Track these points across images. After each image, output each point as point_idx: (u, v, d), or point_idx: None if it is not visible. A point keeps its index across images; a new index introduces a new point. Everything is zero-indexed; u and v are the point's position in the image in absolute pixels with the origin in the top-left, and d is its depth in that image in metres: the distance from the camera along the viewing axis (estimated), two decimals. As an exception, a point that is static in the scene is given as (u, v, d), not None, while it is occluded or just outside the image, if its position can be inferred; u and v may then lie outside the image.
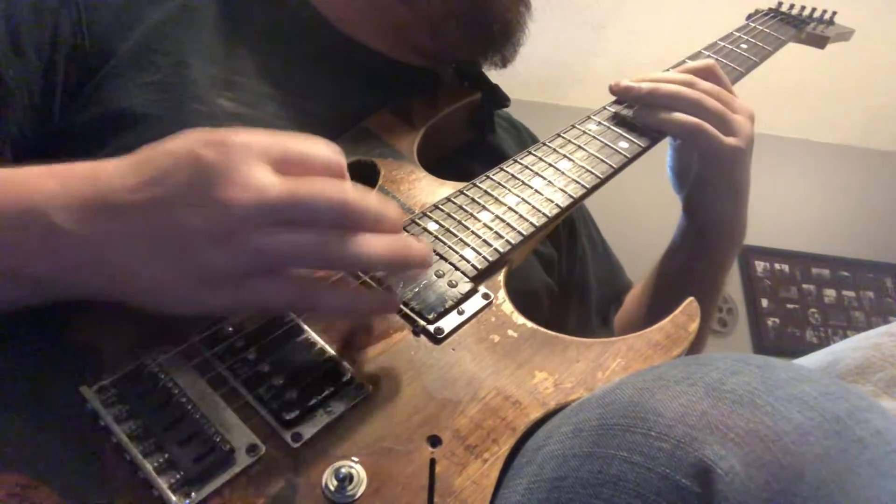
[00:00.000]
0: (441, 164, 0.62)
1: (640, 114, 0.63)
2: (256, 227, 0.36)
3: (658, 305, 0.74)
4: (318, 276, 0.44)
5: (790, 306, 2.42)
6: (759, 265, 2.47)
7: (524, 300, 0.50)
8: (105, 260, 0.36)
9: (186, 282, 0.36)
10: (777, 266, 2.48)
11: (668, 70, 0.68)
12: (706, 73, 0.64)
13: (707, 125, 0.60)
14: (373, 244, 0.38)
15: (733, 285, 2.40)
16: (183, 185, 0.36)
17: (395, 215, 0.40)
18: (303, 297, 0.39)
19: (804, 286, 2.47)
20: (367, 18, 0.66)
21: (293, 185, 0.37)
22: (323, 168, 0.39)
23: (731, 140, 0.61)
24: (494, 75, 0.74)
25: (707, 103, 0.61)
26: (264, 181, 0.36)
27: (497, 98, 0.73)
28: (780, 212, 2.38)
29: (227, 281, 0.36)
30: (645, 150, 0.61)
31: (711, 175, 0.65)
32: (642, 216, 2.06)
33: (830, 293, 2.47)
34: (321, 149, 0.40)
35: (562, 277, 0.74)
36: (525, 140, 0.80)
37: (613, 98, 0.66)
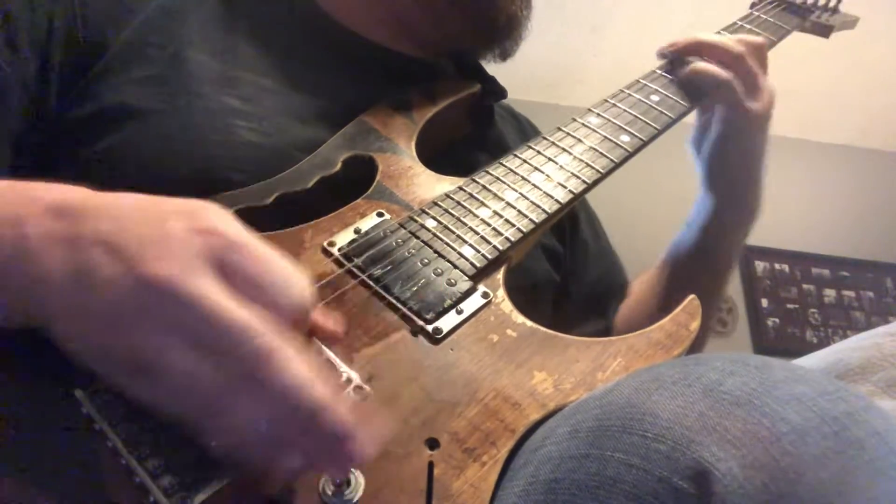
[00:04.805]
0: (440, 157, 0.62)
1: (676, 70, 0.68)
2: (156, 324, 0.30)
3: (668, 291, 0.75)
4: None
5: (790, 306, 2.42)
6: (759, 265, 2.47)
7: (526, 293, 0.50)
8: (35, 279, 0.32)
9: (87, 331, 0.32)
10: (777, 266, 2.48)
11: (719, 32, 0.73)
12: (755, 48, 0.67)
13: (736, 82, 0.64)
14: (257, 423, 0.30)
15: (733, 285, 2.40)
16: (133, 241, 0.31)
17: (320, 399, 0.30)
18: (202, 418, 0.32)
19: (804, 286, 2.47)
20: (367, 9, 0.66)
21: (230, 305, 0.30)
22: (284, 307, 0.32)
23: (753, 104, 0.65)
24: (494, 73, 0.74)
25: (745, 61, 0.64)
26: (204, 283, 0.30)
27: (495, 90, 0.72)
28: (780, 212, 2.37)
29: (121, 362, 0.31)
30: (646, 143, 0.61)
31: (730, 135, 0.67)
32: (641, 215, 2.06)
33: (830, 293, 2.47)
34: (296, 286, 0.33)
35: (566, 270, 0.74)
36: (526, 130, 0.80)
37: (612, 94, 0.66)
